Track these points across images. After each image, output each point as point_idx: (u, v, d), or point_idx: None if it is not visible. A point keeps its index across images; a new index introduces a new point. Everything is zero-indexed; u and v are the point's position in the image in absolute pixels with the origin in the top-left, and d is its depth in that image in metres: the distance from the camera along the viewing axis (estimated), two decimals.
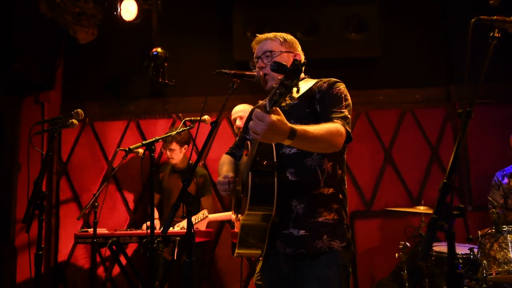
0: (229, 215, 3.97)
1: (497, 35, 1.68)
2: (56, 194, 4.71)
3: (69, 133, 4.75)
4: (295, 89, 1.47)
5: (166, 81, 4.59)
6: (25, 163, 4.62)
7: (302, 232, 1.93)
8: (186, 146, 4.10)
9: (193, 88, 4.64)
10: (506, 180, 3.81)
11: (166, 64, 4.56)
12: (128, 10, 4.46)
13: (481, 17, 1.67)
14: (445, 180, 1.35)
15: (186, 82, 4.66)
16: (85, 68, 4.86)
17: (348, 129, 1.91)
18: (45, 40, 4.68)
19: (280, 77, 1.48)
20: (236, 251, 2.02)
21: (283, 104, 1.53)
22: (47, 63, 4.77)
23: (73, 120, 2.93)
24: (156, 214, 3.98)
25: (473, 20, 1.65)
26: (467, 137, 4.57)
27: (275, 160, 1.91)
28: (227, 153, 2.38)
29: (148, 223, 3.71)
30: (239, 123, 3.65)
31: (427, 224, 1.29)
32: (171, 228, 3.71)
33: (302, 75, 2.19)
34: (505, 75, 4.53)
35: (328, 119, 1.89)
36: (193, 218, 3.75)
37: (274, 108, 1.54)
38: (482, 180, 4.28)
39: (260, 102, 1.58)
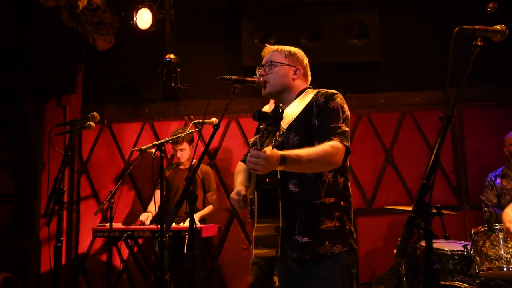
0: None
1: (479, 43, 1.69)
2: (77, 191, 4.82)
3: (89, 134, 4.85)
4: (278, 133, 1.57)
5: (179, 85, 4.66)
6: (48, 161, 4.74)
7: (305, 239, 1.96)
8: (193, 144, 4.18)
9: (203, 92, 4.70)
10: (498, 180, 3.78)
11: (178, 69, 4.62)
12: (143, 19, 4.54)
13: (464, 26, 1.67)
14: (424, 181, 1.37)
15: (197, 86, 4.71)
16: (104, 73, 4.95)
17: (347, 144, 1.91)
18: (67, 47, 4.79)
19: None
20: (254, 252, 2.03)
21: (272, 144, 1.62)
22: (69, 68, 4.88)
23: (90, 122, 3.01)
24: (153, 210, 4.06)
25: (456, 29, 1.66)
26: (464, 138, 4.54)
27: (278, 176, 1.95)
28: (242, 161, 2.39)
29: (143, 213, 3.93)
30: None
31: (405, 222, 1.31)
32: (181, 224, 3.78)
33: (306, 86, 2.21)
34: (502, 77, 4.50)
35: (326, 136, 1.91)
36: (196, 216, 3.84)
37: (263, 147, 1.64)
38: (479, 180, 4.24)
39: (251, 140, 1.72)
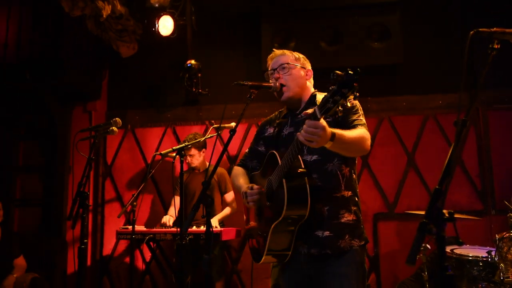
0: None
1: (496, 46, 1.65)
2: (101, 194, 4.96)
3: (113, 139, 4.98)
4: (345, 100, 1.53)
5: (200, 90, 4.73)
6: (75, 166, 4.88)
7: (326, 233, 1.99)
8: (204, 149, 4.22)
9: (224, 97, 4.75)
10: None
11: (199, 74, 4.70)
12: (165, 26, 4.65)
13: (480, 29, 1.65)
14: (437, 186, 1.36)
15: (218, 91, 4.77)
16: (127, 79, 5.09)
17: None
18: (92, 54, 4.94)
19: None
20: (264, 258, 2.04)
21: (331, 112, 1.57)
22: (94, 75, 5.04)
23: (113, 127, 3.09)
24: (173, 214, 4.11)
25: (471, 32, 1.63)
26: (490, 142, 4.42)
27: (303, 167, 1.98)
28: (239, 165, 2.43)
29: (165, 216, 4.00)
30: None
31: (417, 228, 1.30)
32: (201, 227, 3.83)
33: (312, 90, 2.24)
34: None
35: (352, 127, 1.97)
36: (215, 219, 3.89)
37: (325, 115, 1.60)
38: (505, 184, 4.14)
39: (310, 111, 1.65)
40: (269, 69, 2.27)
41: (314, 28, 4.50)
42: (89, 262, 4.80)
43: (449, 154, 1.43)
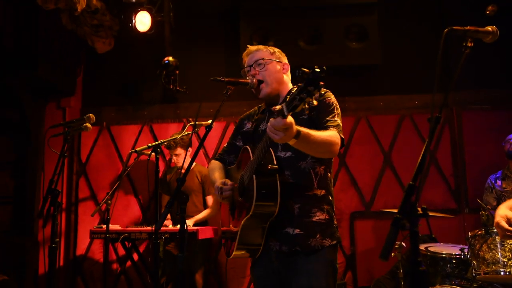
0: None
1: (470, 44, 1.67)
2: (75, 192, 4.83)
3: (88, 136, 4.87)
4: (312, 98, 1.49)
5: (177, 88, 4.66)
6: (47, 163, 4.76)
7: (297, 231, 1.97)
8: (190, 148, 4.16)
9: (202, 94, 4.70)
10: (499, 183, 3.76)
11: (177, 72, 4.63)
12: (143, 22, 4.56)
13: (454, 27, 1.66)
14: (410, 182, 1.36)
15: (196, 89, 4.72)
16: (103, 75, 4.98)
17: (342, 136, 1.96)
18: (66, 49, 4.82)
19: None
20: (234, 252, 2.03)
21: (298, 109, 1.53)
22: (68, 70, 4.91)
23: (86, 124, 3.01)
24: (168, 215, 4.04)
25: (445, 30, 1.65)
26: (463, 142, 4.52)
27: (275, 163, 1.96)
28: (216, 159, 2.41)
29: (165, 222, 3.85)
30: None
31: (391, 223, 1.29)
32: (178, 226, 3.76)
33: (291, 85, 2.23)
34: (502, 81, 4.47)
35: (325, 128, 1.95)
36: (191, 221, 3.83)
37: (290, 113, 1.57)
38: (478, 183, 4.22)
39: (278, 107, 1.61)
40: (245, 66, 2.24)
41: (293, 27, 4.50)
42: (62, 262, 4.68)
43: (422, 150, 1.44)
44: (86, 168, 4.87)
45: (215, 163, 2.37)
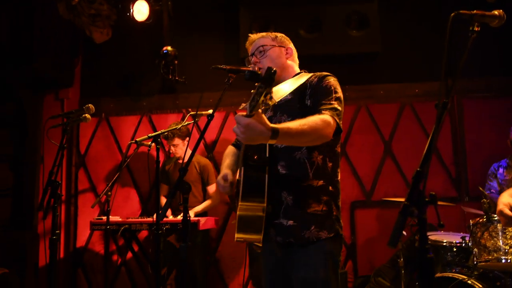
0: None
1: (476, 29, 1.64)
2: (75, 184, 4.81)
3: (86, 128, 4.83)
4: (269, 96, 1.48)
5: (176, 78, 4.62)
6: (46, 155, 4.72)
7: (290, 222, 1.93)
8: (188, 138, 4.13)
9: (201, 84, 4.65)
10: (501, 170, 3.76)
11: (176, 61, 4.58)
12: (140, 11, 4.50)
13: (461, 11, 1.63)
14: (418, 169, 1.34)
15: (195, 79, 4.67)
16: (101, 66, 4.92)
17: (337, 120, 1.87)
18: (64, 40, 4.75)
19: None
20: (236, 235, 2.00)
21: (262, 108, 1.52)
22: (66, 62, 4.84)
23: (85, 114, 2.99)
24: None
25: (452, 14, 1.62)
26: (464, 130, 4.50)
27: (267, 154, 1.92)
28: (233, 144, 2.39)
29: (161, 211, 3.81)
30: None
31: (399, 211, 1.27)
32: (179, 216, 3.75)
33: (298, 69, 2.20)
34: (503, 69, 4.44)
35: (317, 112, 1.87)
36: (191, 211, 3.80)
37: (254, 112, 1.54)
38: (479, 172, 4.21)
39: (243, 105, 1.60)
40: (249, 55, 2.22)
41: (293, 15, 4.44)
42: (62, 255, 4.67)
43: (430, 136, 1.42)
44: (85, 159, 4.84)
45: (230, 149, 2.35)
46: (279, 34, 2.19)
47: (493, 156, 4.01)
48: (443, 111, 1.50)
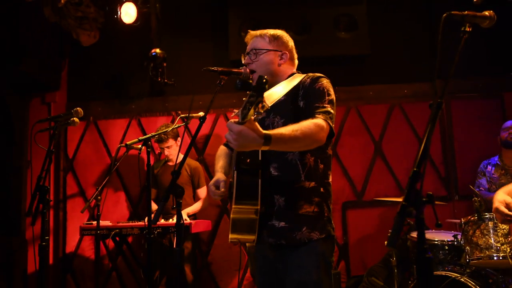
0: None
1: (468, 29, 1.66)
2: (63, 189, 4.73)
3: (74, 131, 4.76)
4: (261, 104, 1.48)
5: (165, 80, 4.58)
6: (33, 160, 4.64)
7: (282, 223, 1.92)
8: (179, 139, 4.11)
9: (191, 87, 4.63)
10: (489, 168, 3.81)
11: (164, 64, 4.54)
12: (128, 14, 4.46)
13: (452, 12, 1.65)
14: (415, 168, 1.34)
15: (185, 81, 4.65)
16: (89, 69, 4.86)
17: (331, 124, 1.86)
18: (50, 43, 4.67)
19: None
20: (230, 236, 1.99)
21: (254, 116, 1.52)
22: (52, 64, 4.77)
23: (74, 118, 2.94)
24: (154, 207, 3.98)
25: (444, 15, 1.63)
26: (453, 130, 4.55)
27: (259, 158, 1.91)
28: (224, 144, 2.35)
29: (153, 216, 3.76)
30: None
31: (397, 211, 1.27)
32: (170, 220, 3.72)
33: (294, 70, 2.18)
34: (490, 69, 4.51)
35: (310, 115, 1.86)
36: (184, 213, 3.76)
37: (246, 119, 1.53)
38: (468, 171, 4.26)
39: (235, 111, 1.59)
40: (246, 52, 2.19)
41: (282, 17, 4.44)
42: (51, 261, 4.58)
43: (425, 136, 1.42)
44: (73, 164, 4.77)
45: (222, 150, 2.31)
46: (279, 35, 2.13)
47: (482, 156, 4.06)
48: (437, 111, 1.50)
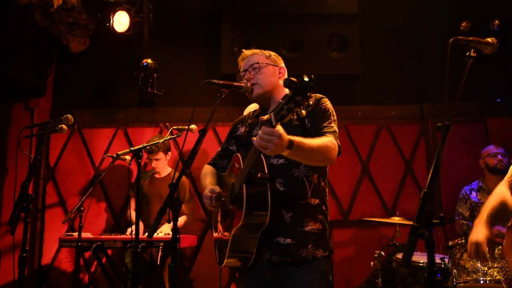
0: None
1: (473, 54, 1.70)
2: (42, 198, 4.56)
3: (57, 139, 4.62)
4: (303, 106, 1.39)
5: (155, 91, 4.53)
6: (13, 167, 4.48)
7: (288, 240, 1.91)
8: (169, 152, 4.04)
9: (180, 99, 4.59)
10: (474, 194, 3.87)
11: (155, 75, 4.49)
12: (121, 22, 4.41)
13: (458, 37, 1.69)
14: (425, 190, 1.34)
15: (174, 93, 4.61)
16: (76, 76, 4.76)
17: (339, 143, 1.91)
18: (38, 47, 4.57)
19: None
20: (226, 260, 1.98)
21: (286, 120, 1.44)
22: (39, 70, 4.65)
23: (62, 125, 2.85)
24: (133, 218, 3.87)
25: (451, 40, 1.67)
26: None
27: (266, 171, 1.89)
28: (210, 164, 2.34)
29: (132, 227, 3.64)
30: None
31: (409, 232, 1.26)
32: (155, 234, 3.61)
33: (287, 91, 2.19)
34: (474, 94, 4.62)
35: (321, 134, 1.89)
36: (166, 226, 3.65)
37: (278, 123, 1.49)
38: (452, 194, 4.33)
39: (266, 116, 1.52)
40: (241, 71, 2.19)
41: (274, 34, 4.49)
42: (26, 272, 4.37)
43: (435, 157, 1.43)
44: (54, 172, 4.61)
45: (208, 168, 2.30)
46: (272, 53, 2.18)
47: (465, 179, 4.14)
48: (446, 133, 1.52)
